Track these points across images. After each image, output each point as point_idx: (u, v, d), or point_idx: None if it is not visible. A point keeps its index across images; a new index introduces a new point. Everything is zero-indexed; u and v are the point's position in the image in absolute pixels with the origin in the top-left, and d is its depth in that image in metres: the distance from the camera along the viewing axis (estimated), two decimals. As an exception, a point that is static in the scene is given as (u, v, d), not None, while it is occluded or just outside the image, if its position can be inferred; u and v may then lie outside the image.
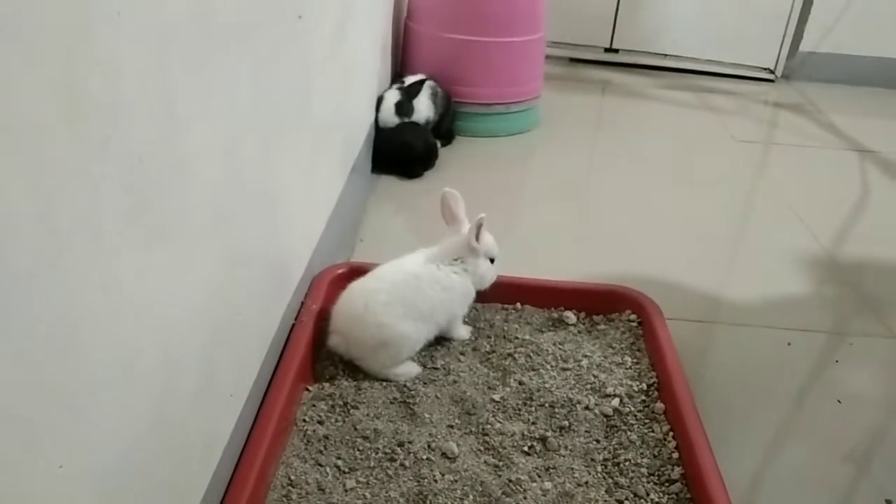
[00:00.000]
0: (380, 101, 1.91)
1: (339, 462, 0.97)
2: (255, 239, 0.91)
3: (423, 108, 1.98)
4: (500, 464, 0.98)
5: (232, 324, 0.84)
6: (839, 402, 1.22)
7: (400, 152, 1.87)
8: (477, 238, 1.19)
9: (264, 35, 0.88)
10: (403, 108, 1.90)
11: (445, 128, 2.10)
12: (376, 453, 0.98)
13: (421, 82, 1.97)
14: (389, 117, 1.89)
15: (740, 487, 1.03)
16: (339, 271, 1.27)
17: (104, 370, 0.53)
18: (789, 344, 1.36)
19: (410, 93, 1.93)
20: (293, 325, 1.12)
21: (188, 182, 0.66)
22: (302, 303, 1.17)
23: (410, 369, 1.13)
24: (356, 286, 1.14)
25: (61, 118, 0.46)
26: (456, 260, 1.19)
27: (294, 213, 1.11)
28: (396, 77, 2.16)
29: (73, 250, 0.48)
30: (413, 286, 1.14)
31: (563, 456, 1.00)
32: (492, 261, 1.23)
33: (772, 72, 3.14)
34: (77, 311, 0.49)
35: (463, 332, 1.23)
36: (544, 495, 0.94)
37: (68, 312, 0.48)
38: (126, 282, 0.55)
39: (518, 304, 1.31)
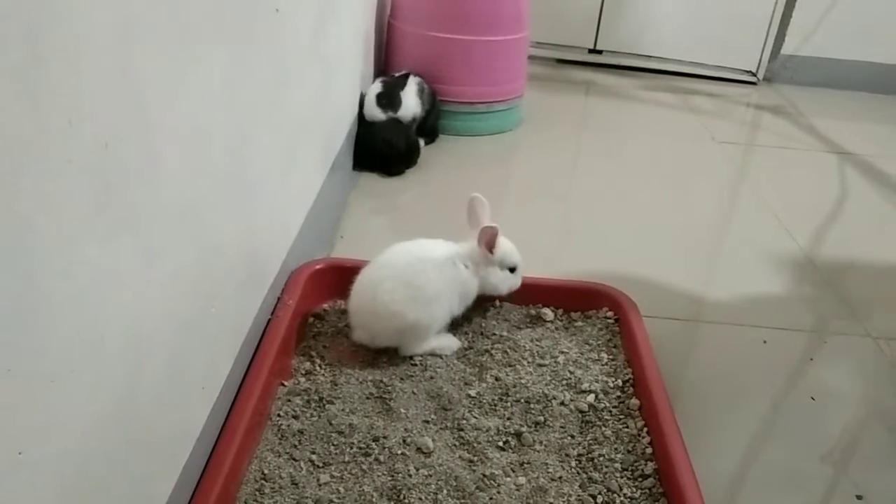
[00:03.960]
0: (364, 96, 1.91)
1: (314, 457, 0.96)
2: (228, 231, 0.90)
3: (411, 104, 1.97)
4: (475, 459, 0.98)
5: (204, 316, 0.83)
6: (812, 399, 1.23)
7: (382, 150, 1.87)
8: (491, 248, 1.20)
9: (239, 25, 0.87)
10: (385, 99, 1.89)
11: (430, 125, 2.10)
12: (351, 448, 0.98)
13: (405, 76, 1.97)
14: (372, 110, 1.89)
15: (714, 482, 1.03)
16: (317, 267, 1.27)
17: (65, 356, 0.53)
18: (765, 342, 1.37)
19: (395, 85, 1.93)
20: (269, 319, 1.12)
21: (157, 170, 0.66)
22: (278, 298, 1.17)
23: (449, 342, 1.18)
24: (364, 277, 1.16)
25: (23, 100, 0.45)
26: (467, 265, 1.20)
27: (270, 206, 1.10)
28: (381, 75, 2.16)
29: (33, 233, 0.47)
30: (418, 269, 1.14)
31: (538, 451, 1.00)
32: (512, 270, 1.24)
33: (754, 74, 3.16)
34: (36, 296, 0.48)
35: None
36: (518, 490, 0.94)
37: (27, 297, 0.48)
38: (90, 268, 0.55)
39: (496, 301, 1.31)
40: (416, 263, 1.15)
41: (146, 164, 0.63)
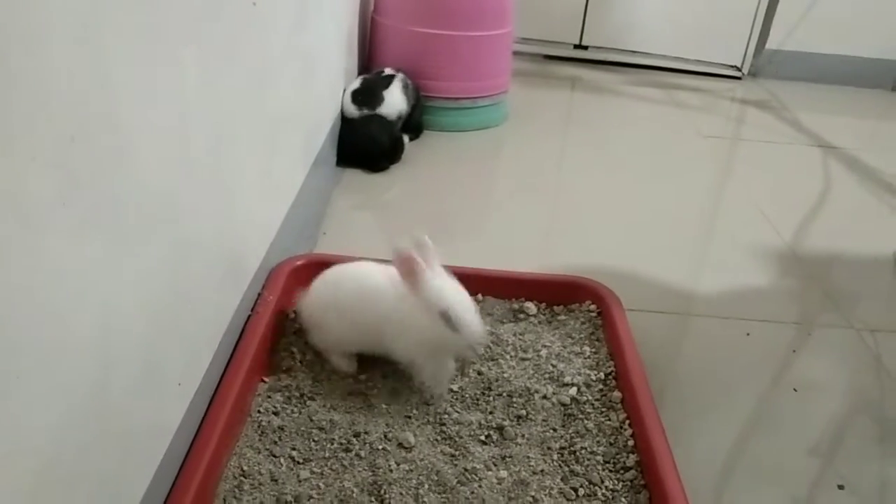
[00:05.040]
0: (344, 92, 1.91)
1: (294, 453, 0.96)
2: (205, 227, 0.89)
3: (397, 102, 1.96)
4: (457, 453, 0.98)
5: (180, 312, 0.82)
6: (795, 390, 1.24)
7: (365, 145, 1.86)
8: (409, 280, 0.99)
9: (215, 17, 0.86)
10: (363, 96, 1.89)
11: (414, 121, 2.09)
12: (332, 444, 0.97)
13: (391, 76, 1.96)
14: (348, 106, 1.88)
15: (697, 474, 1.03)
16: (298, 263, 1.26)
17: (32, 351, 0.52)
18: (748, 334, 1.38)
19: (376, 83, 1.92)
20: (249, 316, 1.11)
21: (127, 164, 0.65)
22: (259, 294, 1.16)
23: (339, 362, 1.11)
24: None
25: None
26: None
27: (250, 202, 1.10)
28: (365, 71, 2.16)
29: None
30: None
31: (520, 444, 1.00)
32: (447, 318, 0.97)
33: (738, 69, 3.17)
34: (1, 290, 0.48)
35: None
36: (500, 483, 0.93)
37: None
38: (57, 261, 0.54)
39: (479, 296, 1.30)
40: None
41: (115, 158, 0.63)
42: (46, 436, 0.55)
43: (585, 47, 3.17)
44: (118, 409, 0.67)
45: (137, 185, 0.68)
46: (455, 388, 1.08)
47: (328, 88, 1.73)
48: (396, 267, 0.99)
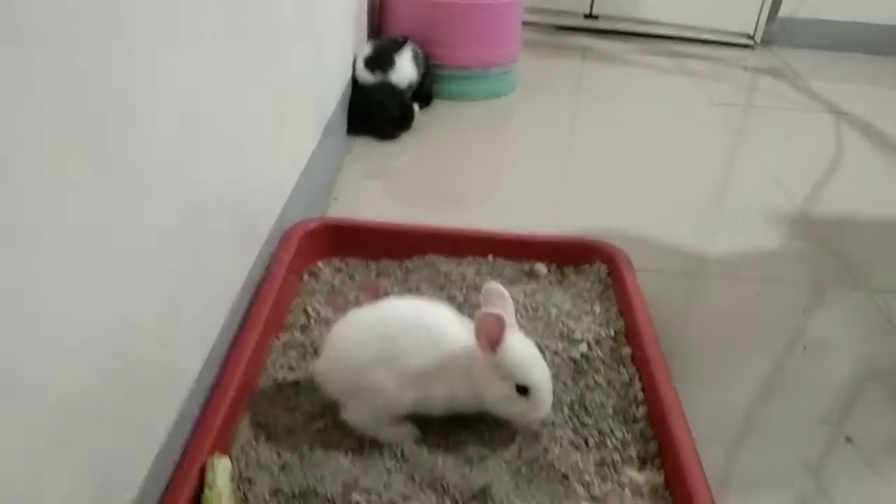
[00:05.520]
0: (356, 59, 1.91)
1: (310, 406, 0.97)
2: (219, 185, 0.90)
3: (407, 70, 1.97)
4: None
5: (197, 266, 0.84)
6: (805, 347, 1.24)
7: (375, 113, 1.87)
8: (492, 346, 0.87)
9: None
10: (375, 62, 1.89)
11: (425, 90, 2.09)
12: (346, 398, 0.99)
13: (403, 41, 1.96)
14: (361, 72, 1.89)
15: (706, 428, 1.04)
16: (311, 226, 1.27)
17: (54, 287, 0.54)
18: (759, 294, 1.38)
19: (388, 48, 1.93)
20: (263, 275, 1.13)
21: (142, 119, 0.66)
22: (272, 255, 1.18)
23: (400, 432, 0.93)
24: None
25: None
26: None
27: (262, 164, 1.11)
28: (374, 39, 2.15)
29: (16, 167, 0.48)
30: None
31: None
32: (522, 391, 0.88)
33: (751, 37, 3.14)
34: (22, 225, 0.49)
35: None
36: (511, 435, 0.95)
37: (13, 226, 0.48)
38: (73, 206, 0.55)
39: (490, 257, 1.31)
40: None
41: (130, 112, 0.64)
42: (70, 375, 0.57)
43: (596, 17, 3.15)
44: (138, 358, 0.69)
45: (152, 137, 0.69)
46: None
47: (338, 56, 1.74)
48: (479, 327, 0.87)
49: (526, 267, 1.30)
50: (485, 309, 0.87)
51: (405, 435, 0.91)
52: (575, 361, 1.08)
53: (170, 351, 0.77)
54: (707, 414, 1.07)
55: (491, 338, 0.87)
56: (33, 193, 0.50)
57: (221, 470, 0.81)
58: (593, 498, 0.87)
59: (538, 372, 0.89)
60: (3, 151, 0.46)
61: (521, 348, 0.89)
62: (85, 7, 0.55)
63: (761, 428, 1.08)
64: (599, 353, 1.09)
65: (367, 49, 1.92)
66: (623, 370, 1.06)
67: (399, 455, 0.90)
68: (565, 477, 0.89)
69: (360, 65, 1.89)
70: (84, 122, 0.56)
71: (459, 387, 0.89)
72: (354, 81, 1.90)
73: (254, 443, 0.91)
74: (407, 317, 0.91)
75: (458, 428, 0.95)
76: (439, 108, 2.16)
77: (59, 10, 0.51)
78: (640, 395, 1.01)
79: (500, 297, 0.91)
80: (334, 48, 1.68)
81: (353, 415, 0.91)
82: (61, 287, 0.54)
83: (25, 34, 0.48)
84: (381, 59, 1.90)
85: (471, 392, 0.89)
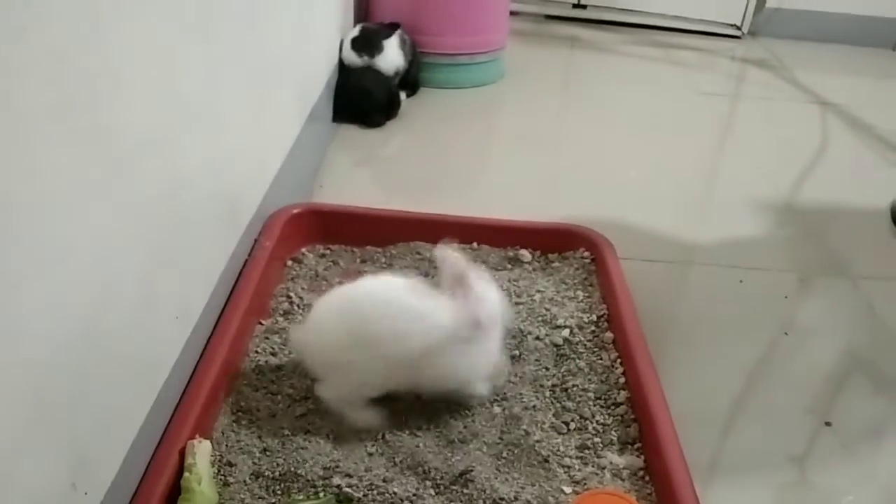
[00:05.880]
0: (342, 42, 1.90)
1: (291, 391, 0.97)
2: (198, 163, 0.90)
3: (394, 57, 1.95)
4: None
5: (177, 247, 0.84)
6: (786, 334, 1.25)
7: (361, 99, 1.86)
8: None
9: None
10: (362, 43, 1.88)
11: (411, 77, 2.08)
12: (328, 382, 0.99)
13: (392, 26, 1.95)
14: (348, 54, 1.88)
15: (688, 413, 1.04)
16: (295, 211, 1.27)
17: (30, 260, 0.53)
18: (741, 281, 1.39)
19: (376, 31, 1.92)
20: (246, 260, 1.12)
21: (119, 91, 0.66)
22: (255, 240, 1.17)
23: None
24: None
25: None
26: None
27: (244, 145, 1.10)
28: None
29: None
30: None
31: (513, 383, 1.01)
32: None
33: (738, 28, 3.15)
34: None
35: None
36: (493, 419, 0.95)
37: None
38: (46, 181, 0.55)
39: (475, 244, 1.31)
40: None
41: (106, 82, 0.63)
42: (46, 348, 0.56)
43: (584, 6, 3.15)
44: (115, 334, 0.69)
45: (129, 111, 0.68)
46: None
47: (322, 38, 1.72)
48: (444, 268, 0.91)
49: (510, 253, 1.30)
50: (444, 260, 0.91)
51: (371, 420, 0.92)
52: (557, 346, 1.08)
53: (148, 332, 0.77)
54: (689, 400, 1.08)
55: (457, 273, 0.89)
56: (2, 167, 0.49)
57: (202, 453, 0.81)
58: (574, 481, 0.87)
59: (496, 300, 0.93)
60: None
61: (486, 286, 0.93)
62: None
63: (743, 414, 1.09)
64: (582, 337, 1.10)
65: (355, 31, 1.91)
66: (605, 355, 1.06)
67: (380, 438, 0.90)
68: (546, 460, 0.89)
69: (347, 45, 1.88)
70: (57, 94, 0.55)
71: (426, 364, 0.90)
72: (341, 64, 1.89)
73: (235, 427, 0.91)
74: (385, 297, 0.92)
75: (440, 411, 0.95)
76: (426, 96, 2.15)
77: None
78: (622, 380, 1.01)
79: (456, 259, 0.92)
80: (319, 28, 1.67)
81: (327, 392, 0.93)
82: (35, 265, 0.54)
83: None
84: (368, 42, 1.89)
85: (437, 367, 0.90)
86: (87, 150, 0.60)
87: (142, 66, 0.70)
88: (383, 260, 1.27)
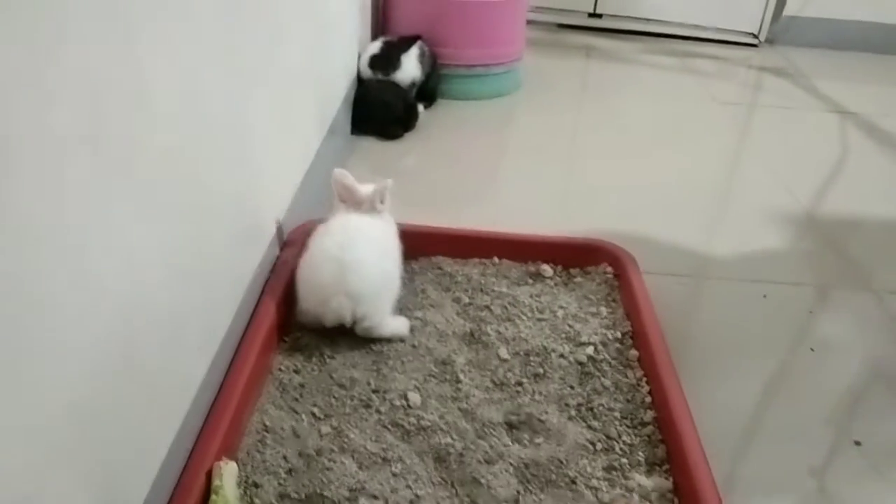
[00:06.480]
0: (360, 56, 1.91)
1: (315, 409, 0.97)
2: (223, 185, 0.90)
3: (411, 68, 1.96)
4: (475, 411, 0.98)
5: (202, 267, 0.84)
6: (812, 350, 1.24)
7: (379, 111, 1.86)
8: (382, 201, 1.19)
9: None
10: (381, 61, 1.88)
11: (429, 89, 2.08)
12: (352, 400, 0.98)
13: (413, 39, 1.96)
14: (364, 69, 1.88)
15: (714, 431, 1.03)
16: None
17: (55, 283, 0.53)
18: (765, 296, 1.37)
19: (396, 47, 1.92)
20: (268, 277, 1.12)
21: (147, 112, 0.66)
22: (277, 256, 1.17)
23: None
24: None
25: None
26: None
27: (266, 165, 1.10)
28: (379, 37, 2.15)
29: (17, 164, 0.48)
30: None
31: (538, 402, 1.01)
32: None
33: (756, 36, 3.13)
34: (24, 228, 0.49)
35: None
36: (520, 440, 0.94)
37: (16, 227, 0.48)
38: (73, 205, 0.55)
39: (496, 258, 1.31)
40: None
41: (130, 108, 0.63)
42: (73, 377, 0.56)
43: (600, 15, 3.14)
44: (143, 358, 0.69)
45: (152, 134, 0.68)
46: (468, 351, 1.09)
47: (341, 53, 1.73)
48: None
49: (532, 268, 1.30)
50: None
51: (401, 328, 1.11)
52: (582, 364, 1.07)
53: (175, 353, 0.77)
54: (713, 416, 1.06)
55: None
56: (32, 193, 0.49)
57: (228, 474, 0.81)
58: (601, 502, 0.86)
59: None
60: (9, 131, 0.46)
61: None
62: (89, 4, 0.54)
63: (768, 430, 1.07)
64: (606, 355, 1.09)
65: (375, 47, 1.91)
66: (630, 373, 1.06)
67: (404, 461, 0.90)
68: (573, 481, 0.88)
69: (365, 62, 1.88)
70: (85, 120, 0.55)
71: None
72: (359, 79, 1.89)
73: (260, 446, 0.90)
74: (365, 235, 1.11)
75: (467, 431, 0.94)
76: (443, 107, 2.15)
77: (64, 6, 0.51)
78: (648, 399, 1.00)
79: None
80: (337, 45, 1.67)
81: (304, 317, 1.10)
82: (63, 288, 0.54)
83: (29, 29, 0.47)
84: (387, 59, 1.89)
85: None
86: (111, 180, 0.60)
87: (164, 88, 0.70)
88: (405, 275, 1.26)
